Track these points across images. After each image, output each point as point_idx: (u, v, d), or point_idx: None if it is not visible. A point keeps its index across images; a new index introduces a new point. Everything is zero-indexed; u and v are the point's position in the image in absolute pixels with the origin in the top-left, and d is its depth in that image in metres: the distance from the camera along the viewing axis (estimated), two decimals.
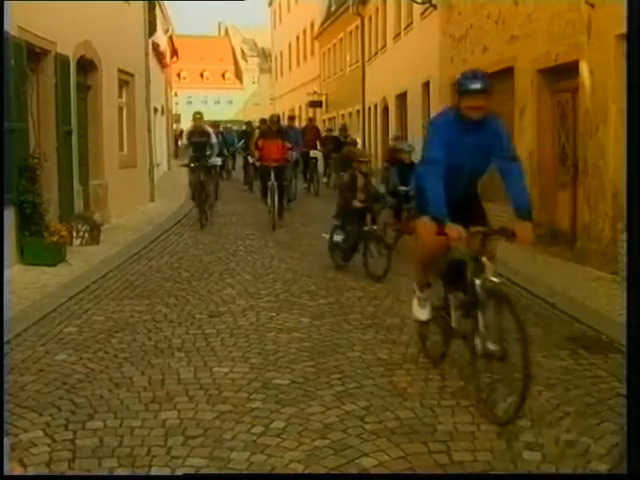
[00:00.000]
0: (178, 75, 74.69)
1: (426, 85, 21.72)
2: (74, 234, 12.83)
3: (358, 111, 33.63)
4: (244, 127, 29.90)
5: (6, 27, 9.48)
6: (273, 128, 17.32)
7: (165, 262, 12.07)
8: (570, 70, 11.69)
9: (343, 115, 36.08)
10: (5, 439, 4.49)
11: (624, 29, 9.87)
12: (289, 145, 17.38)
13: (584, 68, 11.21)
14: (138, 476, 4.67)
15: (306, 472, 4.67)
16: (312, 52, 47.30)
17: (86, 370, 6.67)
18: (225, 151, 24.88)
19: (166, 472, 4.70)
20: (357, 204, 11.00)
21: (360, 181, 11.28)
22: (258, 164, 17.28)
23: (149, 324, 8.25)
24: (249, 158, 22.06)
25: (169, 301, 9.35)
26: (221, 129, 26.87)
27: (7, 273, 9.32)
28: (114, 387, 6.22)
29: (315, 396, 6.01)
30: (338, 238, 11.42)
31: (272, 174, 16.09)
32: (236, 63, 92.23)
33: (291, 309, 8.92)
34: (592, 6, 10.81)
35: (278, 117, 19.13)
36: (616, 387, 6.11)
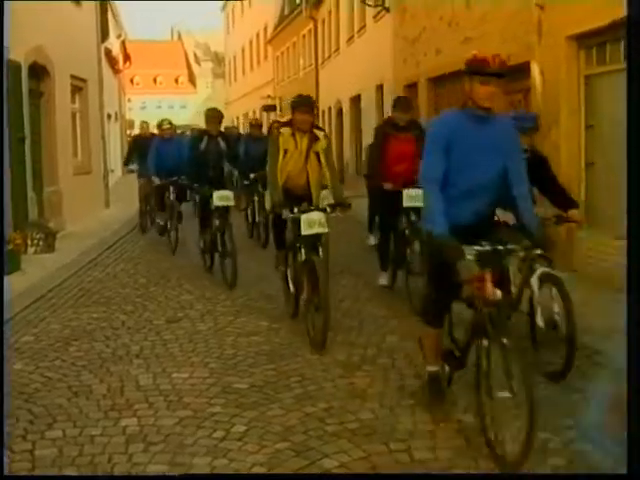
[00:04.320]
0: (131, 80, 74.16)
1: (380, 87, 21.83)
2: (29, 242, 12.69)
3: None
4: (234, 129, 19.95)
5: (6, 27, 9.34)
6: (401, 120, 9.45)
7: (122, 269, 11.98)
8: (522, 71, 11.82)
9: None
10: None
11: (574, 30, 10.05)
12: None
13: (535, 69, 11.35)
14: (137, 476, 4.68)
15: (306, 472, 4.71)
16: (265, 56, 47.32)
17: (44, 379, 6.61)
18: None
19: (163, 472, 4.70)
20: None
21: None
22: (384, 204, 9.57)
23: (107, 331, 8.20)
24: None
25: (127, 308, 9.29)
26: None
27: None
28: (73, 395, 6.17)
29: (275, 399, 6.01)
30: None
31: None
32: (189, 67, 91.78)
33: (249, 313, 8.91)
34: (542, 8, 10.95)
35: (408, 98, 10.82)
36: (573, 384, 6.17)
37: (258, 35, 49.08)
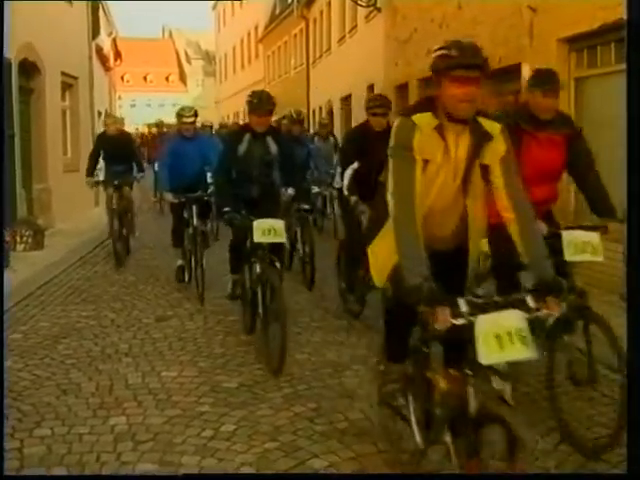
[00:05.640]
0: (122, 78, 73.88)
1: (370, 88, 21.80)
2: (17, 239, 12.64)
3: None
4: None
5: (6, 27, 9.31)
6: (544, 111, 5.47)
7: (111, 267, 11.94)
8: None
9: None
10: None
11: (565, 33, 10.09)
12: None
13: (526, 71, 11.36)
14: (137, 476, 4.70)
15: (306, 471, 4.73)
16: (256, 55, 47.24)
17: (32, 377, 6.60)
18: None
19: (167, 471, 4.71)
20: None
21: None
22: None
23: (96, 329, 8.18)
24: None
25: (115, 306, 9.27)
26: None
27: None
28: (61, 394, 6.16)
29: (264, 399, 6.01)
30: None
31: None
32: (180, 66, 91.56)
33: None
34: (534, 10, 10.98)
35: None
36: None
37: (249, 34, 49.01)
